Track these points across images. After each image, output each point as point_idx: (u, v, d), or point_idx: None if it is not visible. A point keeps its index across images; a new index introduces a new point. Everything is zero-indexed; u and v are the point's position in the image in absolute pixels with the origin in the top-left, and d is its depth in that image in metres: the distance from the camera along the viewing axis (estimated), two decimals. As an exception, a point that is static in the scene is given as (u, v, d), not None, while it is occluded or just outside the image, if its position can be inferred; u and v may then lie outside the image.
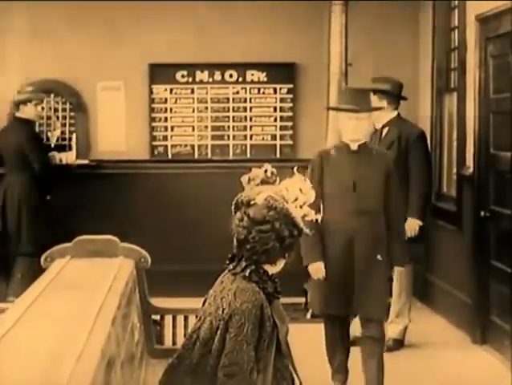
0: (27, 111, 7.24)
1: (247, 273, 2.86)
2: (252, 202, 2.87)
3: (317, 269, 4.93)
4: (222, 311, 2.80)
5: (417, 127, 6.72)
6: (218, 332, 2.77)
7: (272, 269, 2.94)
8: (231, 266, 2.92)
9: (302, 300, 7.11)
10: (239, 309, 2.77)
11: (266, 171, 2.93)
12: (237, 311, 2.77)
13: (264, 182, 2.93)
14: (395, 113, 6.24)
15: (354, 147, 4.87)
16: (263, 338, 2.79)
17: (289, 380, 2.95)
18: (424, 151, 6.23)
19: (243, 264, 2.88)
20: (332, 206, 4.85)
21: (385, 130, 6.20)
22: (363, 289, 4.85)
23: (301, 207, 2.88)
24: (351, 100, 4.84)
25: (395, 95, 6.22)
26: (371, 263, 4.84)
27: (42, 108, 7.75)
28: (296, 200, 2.87)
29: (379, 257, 4.84)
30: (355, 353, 5.05)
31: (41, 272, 3.90)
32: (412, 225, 5.96)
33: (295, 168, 2.97)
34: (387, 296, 5.21)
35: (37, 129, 8.05)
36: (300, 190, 2.88)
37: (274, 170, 2.96)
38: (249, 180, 2.94)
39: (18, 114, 7.27)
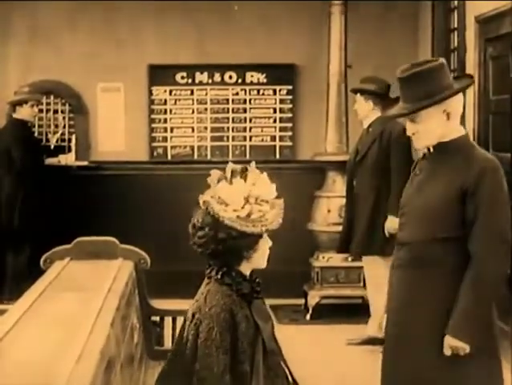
0: (23, 112, 7.31)
1: (219, 276, 2.88)
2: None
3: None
4: (193, 316, 2.83)
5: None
6: (191, 337, 2.80)
7: (243, 270, 2.93)
8: (208, 270, 2.95)
9: (301, 301, 7.11)
10: (208, 313, 2.80)
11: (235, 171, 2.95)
12: (206, 315, 2.80)
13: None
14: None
15: (431, 149, 3.37)
16: (240, 340, 2.79)
17: (283, 377, 2.96)
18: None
19: (216, 267, 2.90)
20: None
21: (370, 129, 6.15)
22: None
23: (243, 207, 2.86)
24: (401, 95, 3.38)
25: (381, 96, 6.07)
26: (406, 335, 3.31)
27: (40, 110, 7.78)
28: (234, 201, 2.87)
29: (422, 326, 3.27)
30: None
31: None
32: (392, 224, 5.66)
33: (253, 165, 2.97)
34: None
35: (37, 130, 8.09)
36: (238, 191, 2.88)
37: (238, 167, 2.96)
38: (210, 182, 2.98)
39: (14, 115, 7.34)
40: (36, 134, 8.09)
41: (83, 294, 3.40)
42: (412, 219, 3.33)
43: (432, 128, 3.28)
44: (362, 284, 6.86)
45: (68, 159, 7.91)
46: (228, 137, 8.28)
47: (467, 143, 3.34)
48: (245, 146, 8.27)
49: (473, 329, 3.18)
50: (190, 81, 8.27)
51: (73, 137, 8.10)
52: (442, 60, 3.33)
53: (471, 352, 3.15)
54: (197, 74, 8.26)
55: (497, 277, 3.23)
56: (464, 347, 3.14)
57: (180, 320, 4.32)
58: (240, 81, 8.27)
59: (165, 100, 8.27)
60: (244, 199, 2.86)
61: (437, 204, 3.24)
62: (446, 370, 3.20)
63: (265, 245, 2.94)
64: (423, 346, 3.23)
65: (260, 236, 2.88)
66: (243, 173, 2.93)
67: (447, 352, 3.17)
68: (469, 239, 3.18)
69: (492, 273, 3.19)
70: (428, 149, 3.37)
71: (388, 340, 3.40)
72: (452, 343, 3.15)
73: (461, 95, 3.33)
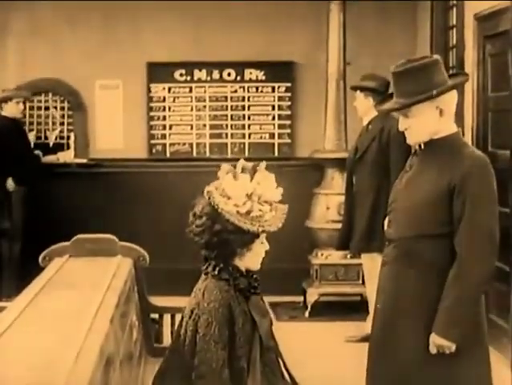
0: (9, 110, 7.38)
1: (216, 272, 2.88)
2: None
3: None
4: (192, 312, 2.83)
5: None
6: (189, 333, 2.81)
7: (240, 265, 2.93)
8: (204, 266, 2.95)
9: (300, 298, 7.11)
10: (206, 308, 2.81)
11: (240, 167, 2.96)
12: (204, 311, 2.81)
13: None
14: None
15: (421, 146, 3.35)
16: (238, 336, 2.80)
17: (279, 374, 2.96)
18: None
19: (213, 263, 2.91)
20: None
21: (370, 126, 6.15)
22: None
23: (244, 203, 2.87)
24: (395, 91, 3.33)
25: (381, 93, 6.00)
26: (392, 332, 3.27)
27: (39, 108, 7.80)
28: (236, 195, 2.88)
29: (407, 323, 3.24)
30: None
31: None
32: None
33: (263, 165, 2.98)
34: None
35: (35, 128, 8.10)
36: (242, 187, 2.89)
37: (249, 165, 2.96)
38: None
39: (2, 112, 7.42)
40: (35, 131, 8.10)
41: (82, 292, 3.40)
42: (400, 215, 3.30)
43: (425, 124, 3.24)
44: (361, 281, 6.87)
45: (67, 156, 7.93)
46: (227, 134, 8.27)
47: (458, 140, 3.29)
48: (243, 143, 8.27)
49: (458, 328, 3.13)
50: (189, 78, 8.26)
51: (72, 135, 8.10)
52: (437, 57, 3.31)
53: (458, 350, 3.12)
54: (196, 71, 8.26)
55: (482, 276, 3.18)
56: (449, 346, 3.11)
57: (179, 317, 4.32)
58: (238, 78, 8.27)
59: (164, 97, 8.26)
60: (246, 195, 2.87)
61: (424, 201, 3.19)
62: (433, 368, 3.17)
63: (260, 248, 2.93)
64: (409, 344, 3.20)
65: (256, 236, 2.88)
66: (253, 171, 2.94)
67: (433, 351, 3.14)
68: (455, 237, 3.14)
69: (476, 271, 3.14)
70: (420, 146, 3.33)
71: (373, 336, 3.37)
72: (437, 342, 3.12)
73: (454, 92, 3.28)
